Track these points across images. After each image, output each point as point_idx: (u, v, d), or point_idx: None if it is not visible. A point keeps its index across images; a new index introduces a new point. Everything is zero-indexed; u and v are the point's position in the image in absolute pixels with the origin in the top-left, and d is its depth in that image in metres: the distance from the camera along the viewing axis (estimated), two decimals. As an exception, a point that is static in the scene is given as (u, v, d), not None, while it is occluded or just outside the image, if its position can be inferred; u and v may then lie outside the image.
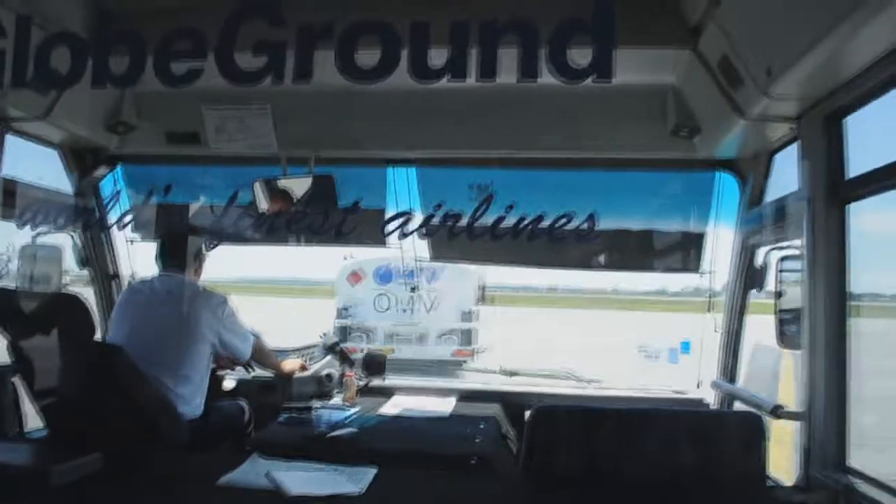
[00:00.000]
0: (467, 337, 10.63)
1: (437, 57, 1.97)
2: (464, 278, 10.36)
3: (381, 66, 1.97)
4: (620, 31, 1.97)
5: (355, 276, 11.36)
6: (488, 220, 2.43)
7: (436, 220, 2.56)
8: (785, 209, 3.03)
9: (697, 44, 2.81)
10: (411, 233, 2.44)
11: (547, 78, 2.02)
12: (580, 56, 1.94)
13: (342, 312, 11.07)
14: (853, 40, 2.05)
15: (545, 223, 2.31)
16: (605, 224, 3.53)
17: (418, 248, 3.95)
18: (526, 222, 2.29)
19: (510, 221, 2.34)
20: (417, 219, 2.73)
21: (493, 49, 1.93)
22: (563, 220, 2.31)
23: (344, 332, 10.39)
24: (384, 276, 11.10)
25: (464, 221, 2.47)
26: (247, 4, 2.04)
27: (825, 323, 2.56)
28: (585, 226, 2.30)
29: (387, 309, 11.12)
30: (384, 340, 10.41)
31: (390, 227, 2.46)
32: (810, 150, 2.69)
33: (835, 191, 2.58)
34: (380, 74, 1.98)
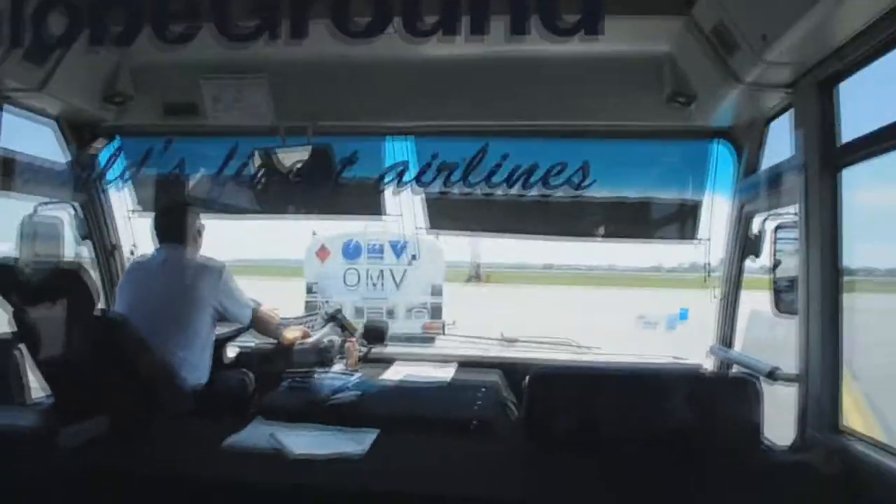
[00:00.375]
0: (438, 311, 10.70)
1: (429, 17, 1.99)
2: (432, 254, 10.44)
3: (373, 24, 1.99)
4: (615, 0, 1.99)
5: (323, 252, 11.37)
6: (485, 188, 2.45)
7: (433, 181, 2.57)
8: (780, 177, 3.05)
9: (692, 10, 2.81)
10: (408, 181, 2.44)
11: (542, 45, 2.03)
12: (570, 17, 1.95)
13: (312, 288, 11.10)
14: (845, 5, 2.07)
15: (539, 173, 2.32)
16: (601, 193, 3.58)
17: (417, 218, 3.98)
18: (520, 171, 2.30)
19: (498, 179, 2.36)
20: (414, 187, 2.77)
21: (485, 6, 1.94)
22: (558, 168, 2.32)
23: (313, 308, 10.49)
24: (352, 251, 11.16)
25: (460, 187, 2.49)
26: None
27: (820, 288, 2.59)
28: (578, 177, 2.32)
29: (356, 284, 11.17)
30: (353, 315, 10.47)
31: (387, 178, 2.47)
32: (804, 117, 2.71)
33: (828, 157, 2.60)
34: (371, 32, 1.99)
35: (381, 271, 10.88)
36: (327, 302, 10.39)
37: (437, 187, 3.14)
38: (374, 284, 11.02)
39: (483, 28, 1.95)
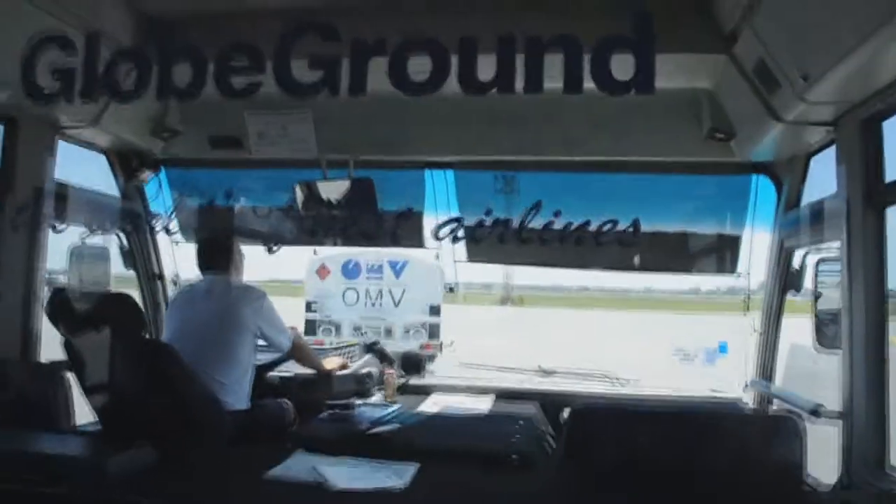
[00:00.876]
0: (435, 330, 10.71)
1: (485, 69, 2.02)
2: (431, 273, 10.47)
3: (432, 80, 2.03)
4: (657, 37, 2.01)
5: (323, 271, 11.46)
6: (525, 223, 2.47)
7: (475, 224, 2.60)
8: (822, 212, 3.03)
9: (733, 49, 2.82)
10: (460, 239, 2.48)
11: (585, 83, 2.07)
12: (621, 68, 1.98)
13: (311, 306, 11.15)
14: (891, 45, 2.06)
15: (591, 227, 2.34)
16: (642, 226, 3.58)
17: (456, 250, 4.00)
18: (573, 227, 2.33)
19: (556, 224, 2.38)
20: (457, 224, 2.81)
21: (539, 63, 1.98)
22: (609, 225, 2.34)
23: (313, 325, 10.52)
24: (351, 271, 11.24)
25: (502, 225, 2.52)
26: (303, 21, 2.10)
27: (864, 324, 2.57)
28: (630, 230, 2.33)
29: (355, 303, 11.23)
30: (351, 333, 10.46)
31: (443, 231, 2.52)
32: (847, 154, 2.70)
33: (872, 195, 2.59)
34: (431, 88, 2.04)
35: (381, 290, 10.95)
36: (329, 317, 10.49)
37: (475, 220, 3.17)
38: (373, 303, 11.09)
39: (537, 86, 1.98)
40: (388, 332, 10.20)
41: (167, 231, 4.31)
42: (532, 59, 1.99)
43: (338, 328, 10.75)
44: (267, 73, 2.11)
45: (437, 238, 2.59)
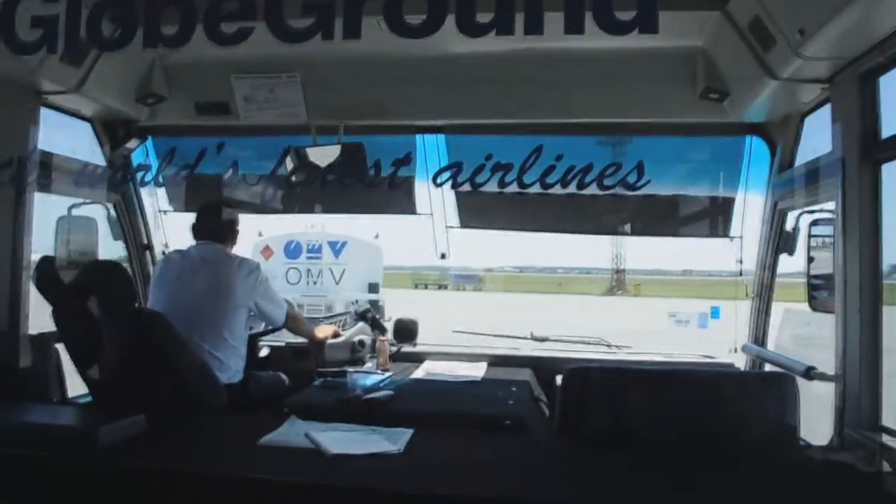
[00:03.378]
0: (375, 307, 10.88)
1: (484, 15, 1.97)
2: (371, 252, 10.58)
3: (428, 23, 1.97)
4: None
5: (267, 251, 11.60)
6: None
7: (471, 185, 2.56)
8: (816, 172, 3.02)
9: (727, 5, 2.78)
10: (462, 184, 2.43)
11: (572, 41, 2.01)
12: (623, 14, 1.93)
13: None
14: None
15: (593, 174, 2.30)
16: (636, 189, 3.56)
17: (447, 216, 3.98)
18: (575, 170, 2.29)
19: (554, 178, 2.34)
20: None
21: (540, 4, 1.92)
22: (612, 169, 2.30)
23: None
24: (293, 251, 11.34)
25: (493, 186, 2.48)
26: None
27: (858, 285, 2.57)
28: (633, 176, 2.30)
29: (297, 282, 11.35)
30: None
31: (442, 177, 2.47)
32: (843, 111, 2.68)
33: (868, 151, 2.57)
34: (426, 31, 1.97)
35: (321, 270, 11.08)
36: None
37: (467, 185, 3.14)
38: (315, 282, 11.20)
39: (538, 27, 1.93)
40: (329, 310, 10.40)
41: (156, 201, 4.28)
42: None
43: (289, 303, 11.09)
44: (259, 19, 2.04)
45: (437, 184, 2.54)
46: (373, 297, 10.95)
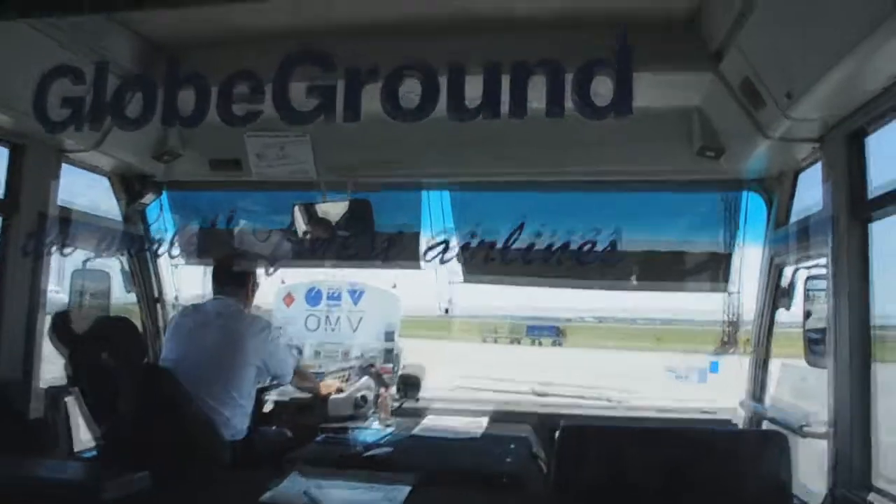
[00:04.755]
0: (390, 355, 10.97)
1: (472, 92, 2.08)
2: (389, 301, 10.64)
3: (422, 107, 2.09)
4: (645, 56, 2.03)
5: (289, 298, 11.72)
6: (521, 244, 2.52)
7: (471, 244, 2.65)
8: (810, 228, 3.06)
9: (720, 67, 2.85)
10: (449, 259, 2.53)
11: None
12: (603, 90, 2.03)
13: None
14: (871, 60, 2.10)
15: (573, 247, 2.39)
16: (633, 244, 3.60)
17: (451, 270, 4.03)
18: (554, 248, 2.38)
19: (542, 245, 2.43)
20: (453, 243, 2.85)
21: (524, 88, 2.03)
22: (588, 245, 2.38)
23: None
24: (313, 298, 11.47)
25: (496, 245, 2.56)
26: (300, 51, 2.17)
27: (849, 341, 2.58)
28: (609, 247, 2.38)
29: (316, 328, 11.47)
30: (313, 357, 10.85)
31: (431, 253, 2.57)
32: (833, 170, 2.73)
33: (857, 209, 2.61)
34: (421, 115, 2.10)
35: (339, 317, 11.21)
36: (291, 341, 10.82)
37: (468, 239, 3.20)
38: (332, 329, 11.30)
39: (521, 112, 2.04)
40: (346, 356, 10.48)
41: (169, 254, 4.37)
42: (516, 84, 2.04)
43: (300, 351, 11.29)
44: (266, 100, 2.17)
45: (426, 260, 2.63)
46: (388, 345, 11.03)
